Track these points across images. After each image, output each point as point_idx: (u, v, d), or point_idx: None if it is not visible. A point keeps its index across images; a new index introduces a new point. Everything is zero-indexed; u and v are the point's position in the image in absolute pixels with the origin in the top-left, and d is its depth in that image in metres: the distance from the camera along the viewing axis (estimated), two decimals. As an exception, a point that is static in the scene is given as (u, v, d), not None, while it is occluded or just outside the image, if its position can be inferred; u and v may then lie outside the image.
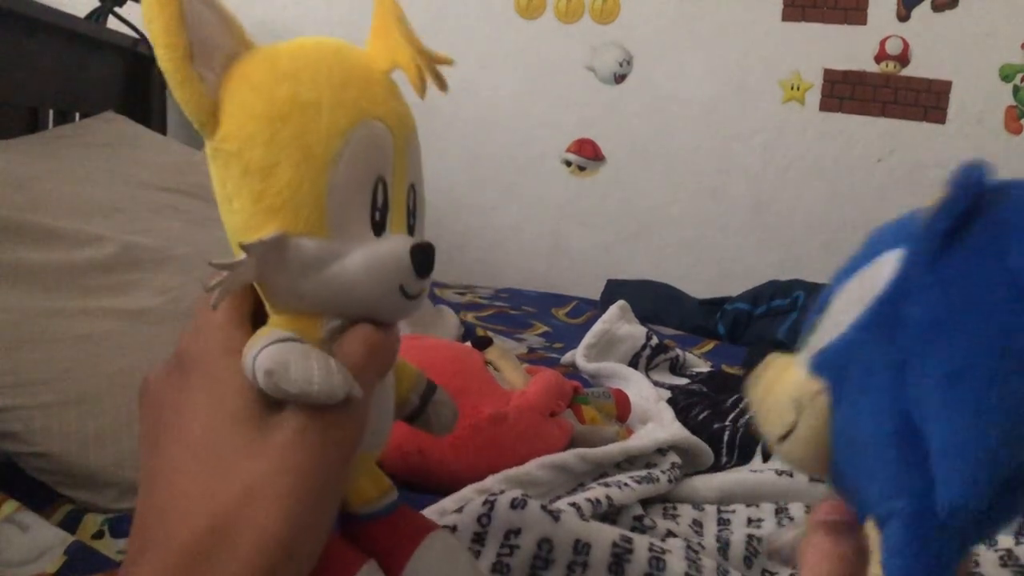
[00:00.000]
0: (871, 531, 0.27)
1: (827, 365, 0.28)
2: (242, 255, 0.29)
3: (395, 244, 0.32)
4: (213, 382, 0.29)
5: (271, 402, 0.29)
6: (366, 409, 0.30)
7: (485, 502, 0.47)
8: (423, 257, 0.32)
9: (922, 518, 0.25)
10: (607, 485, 0.57)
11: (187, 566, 0.26)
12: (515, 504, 0.46)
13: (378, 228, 0.32)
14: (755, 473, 0.65)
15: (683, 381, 0.97)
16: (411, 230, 0.34)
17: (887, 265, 0.27)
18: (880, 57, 1.53)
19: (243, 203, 0.31)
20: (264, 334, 0.30)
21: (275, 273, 0.30)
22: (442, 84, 0.33)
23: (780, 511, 0.60)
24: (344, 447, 0.29)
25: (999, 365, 0.23)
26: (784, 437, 0.29)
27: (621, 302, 1.12)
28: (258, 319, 0.32)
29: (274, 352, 0.29)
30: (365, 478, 0.37)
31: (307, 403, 0.28)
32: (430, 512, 0.50)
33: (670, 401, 0.81)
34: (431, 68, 0.33)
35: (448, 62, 0.33)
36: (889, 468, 0.26)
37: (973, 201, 0.26)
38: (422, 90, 0.33)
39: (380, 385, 0.33)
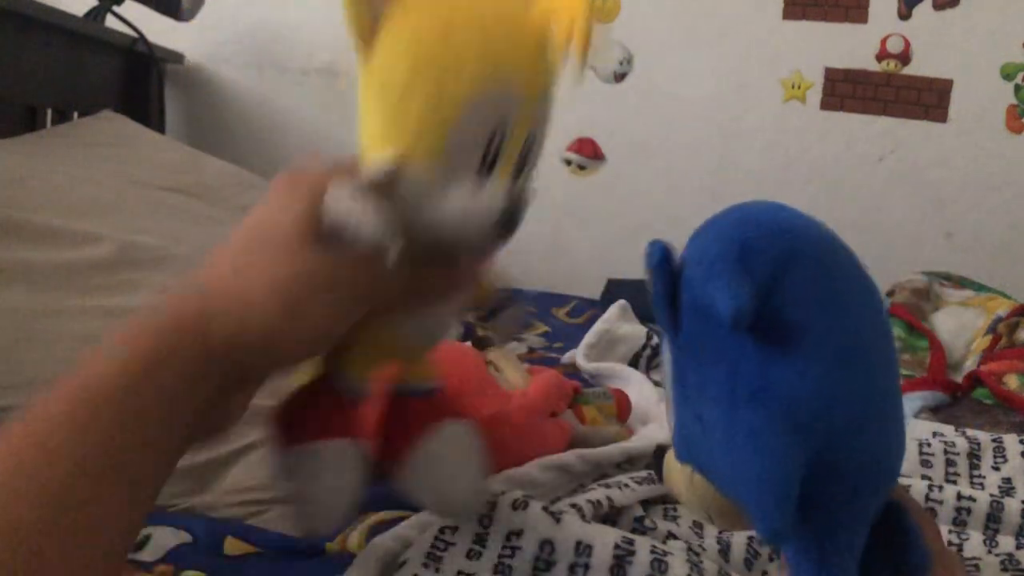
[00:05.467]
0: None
1: (681, 450, 0.33)
2: (365, 169, 0.33)
3: (493, 198, 0.34)
4: (288, 197, 0.33)
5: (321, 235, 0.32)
6: (394, 283, 0.34)
7: (486, 503, 0.46)
8: (510, 218, 0.35)
9: (798, 541, 0.29)
10: (608, 486, 0.57)
11: (176, 327, 0.31)
12: (516, 505, 0.46)
13: (487, 169, 0.35)
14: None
15: (684, 381, 0.97)
16: (520, 172, 0.37)
17: (666, 352, 0.32)
18: (881, 56, 1.53)
19: (376, 119, 0.34)
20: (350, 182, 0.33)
21: (387, 193, 0.33)
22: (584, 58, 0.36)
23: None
24: (358, 291, 0.33)
25: (731, 404, 0.27)
26: (712, 521, 0.33)
27: (621, 302, 1.12)
28: None
29: (343, 190, 0.32)
30: (418, 365, 0.44)
31: (349, 238, 0.32)
32: (428, 512, 0.50)
33: (671, 401, 0.81)
34: (583, 42, 0.36)
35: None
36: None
37: (667, 273, 0.30)
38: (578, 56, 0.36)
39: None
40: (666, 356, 0.33)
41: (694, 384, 0.30)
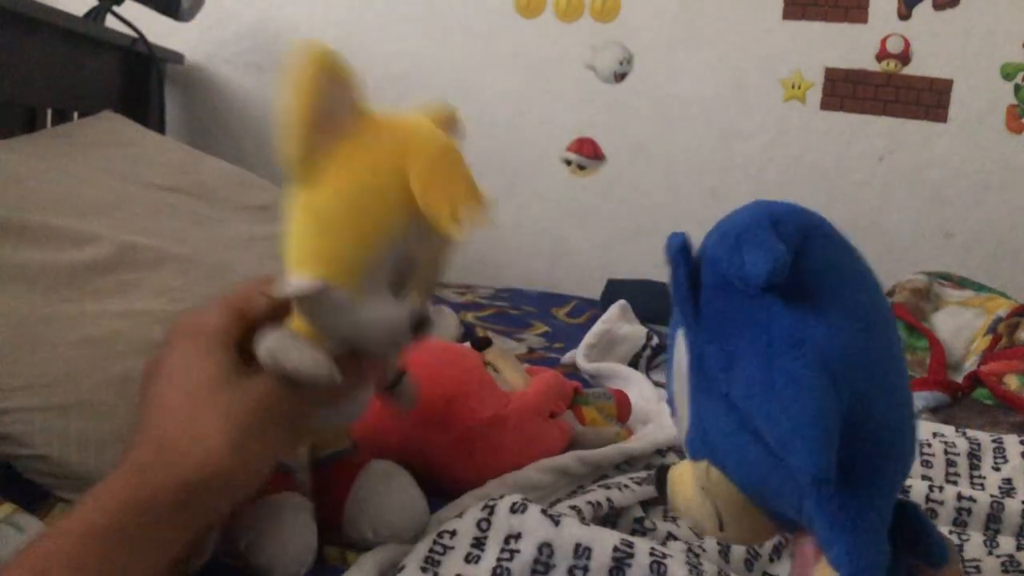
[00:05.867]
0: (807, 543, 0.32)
1: (695, 445, 0.33)
2: (294, 283, 0.38)
3: (402, 312, 0.40)
4: (202, 345, 0.37)
5: (246, 369, 0.37)
6: (331, 397, 0.41)
7: (484, 507, 0.46)
8: (420, 325, 0.41)
9: (823, 505, 0.29)
10: (607, 487, 0.57)
11: (140, 472, 0.34)
12: (515, 508, 0.46)
13: (397, 290, 0.40)
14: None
15: (684, 381, 0.97)
16: (429, 288, 0.43)
17: (680, 345, 0.33)
18: (881, 56, 1.53)
19: (308, 242, 0.39)
20: (278, 328, 0.39)
21: (310, 305, 0.39)
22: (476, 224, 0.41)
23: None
24: (299, 411, 0.39)
25: (769, 357, 0.28)
26: (721, 527, 0.33)
27: (621, 302, 1.12)
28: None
29: (281, 337, 0.38)
30: (332, 434, 0.51)
31: (293, 379, 0.37)
32: (430, 519, 0.50)
33: (671, 402, 0.81)
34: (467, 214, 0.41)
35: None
36: (782, 485, 0.29)
37: (690, 262, 0.32)
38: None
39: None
40: (678, 353, 0.34)
41: (717, 364, 0.30)
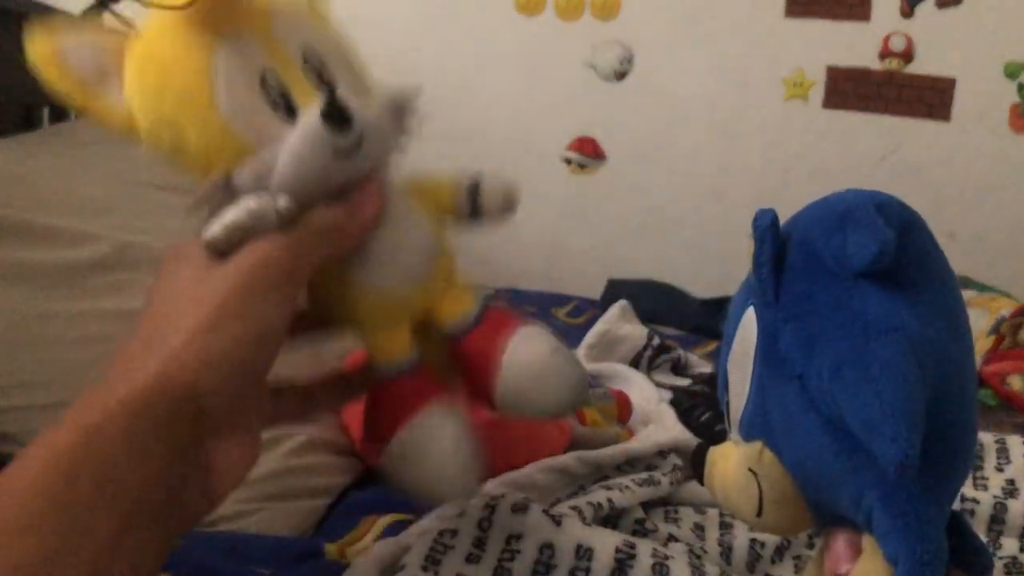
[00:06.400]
0: (866, 542, 0.31)
1: (753, 425, 0.32)
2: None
3: (304, 120, 0.33)
4: (185, 257, 0.34)
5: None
6: (302, 245, 0.34)
7: (486, 506, 0.46)
8: (334, 114, 0.33)
9: (890, 497, 0.28)
10: (608, 488, 0.56)
11: (128, 367, 0.31)
12: (516, 508, 0.45)
13: (291, 113, 0.34)
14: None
15: (685, 382, 0.96)
16: (329, 85, 0.36)
17: (749, 323, 0.32)
18: (884, 54, 1.52)
19: (184, 164, 0.35)
20: None
21: (217, 201, 0.33)
22: None
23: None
24: (297, 264, 0.33)
25: (863, 340, 0.27)
26: (759, 511, 0.33)
27: (622, 302, 1.11)
28: None
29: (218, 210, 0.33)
30: (445, 300, 0.40)
31: (241, 233, 0.33)
32: (429, 517, 0.49)
33: (672, 402, 0.80)
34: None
35: None
36: (845, 474, 0.29)
37: (777, 239, 0.31)
38: None
39: (395, 222, 0.37)
40: (743, 331, 0.33)
41: (795, 343, 0.30)
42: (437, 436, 0.38)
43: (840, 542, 0.32)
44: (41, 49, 0.37)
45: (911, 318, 0.28)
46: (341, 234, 0.36)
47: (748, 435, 0.33)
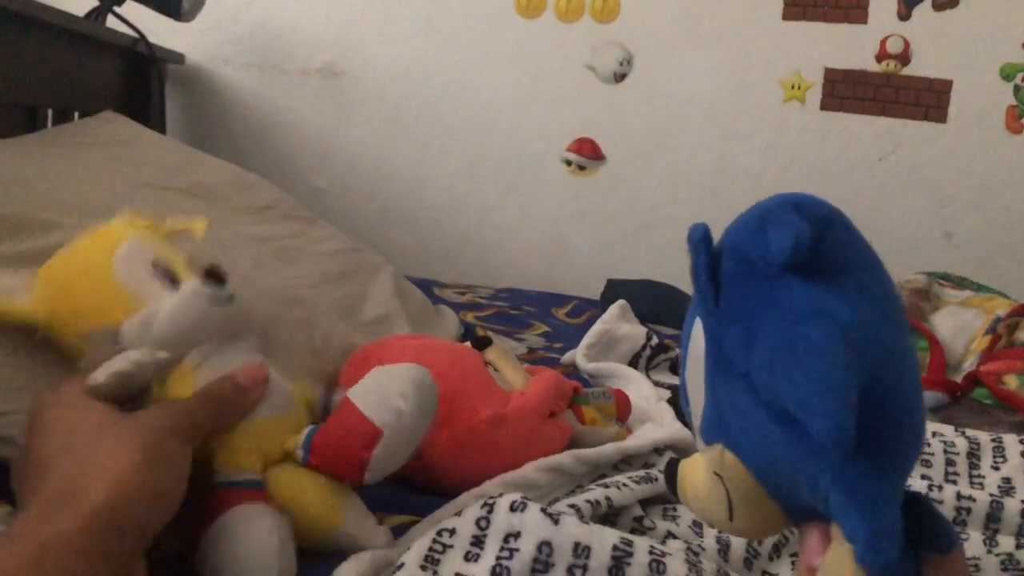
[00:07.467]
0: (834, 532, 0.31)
1: (711, 429, 0.34)
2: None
3: (187, 282, 0.46)
4: (77, 404, 0.41)
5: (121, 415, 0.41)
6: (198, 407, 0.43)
7: (484, 505, 0.46)
8: (214, 273, 0.46)
9: (841, 477, 0.29)
10: (606, 486, 0.57)
11: (46, 517, 0.34)
12: (514, 507, 0.46)
13: (175, 285, 0.47)
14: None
15: (683, 381, 0.97)
16: (212, 261, 0.48)
17: (698, 333, 0.34)
18: (881, 56, 1.53)
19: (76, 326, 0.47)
20: None
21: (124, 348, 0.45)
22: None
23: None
24: (202, 422, 0.43)
25: (792, 326, 0.29)
26: (731, 516, 0.33)
27: (621, 302, 1.12)
28: None
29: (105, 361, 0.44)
30: (232, 453, 0.45)
31: (130, 386, 0.43)
32: (428, 519, 0.50)
33: (671, 401, 0.81)
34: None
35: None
36: (798, 461, 0.30)
37: (711, 250, 0.33)
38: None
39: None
40: (693, 342, 0.35)
41: (737, 344, 0.31)
42: (245, 530, 0.42)
43: (814, 536, 0.32)
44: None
45: (836, 303, 0.29)
46: (235, 407, 0.45)
47: (708, 439, 0.34)
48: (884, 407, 0.29)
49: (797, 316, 0.29)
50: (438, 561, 0.43)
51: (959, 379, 0.94)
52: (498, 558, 0.43)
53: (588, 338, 1.00)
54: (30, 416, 0.43)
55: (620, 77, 1.62)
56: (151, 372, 0.43)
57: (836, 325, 0.28)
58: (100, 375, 0.42)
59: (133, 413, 0.41)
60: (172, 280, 0.47)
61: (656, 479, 0.60)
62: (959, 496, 0.58)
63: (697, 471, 0.35)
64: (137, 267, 0.47)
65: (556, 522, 0.45)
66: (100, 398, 0.41)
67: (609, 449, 0.63)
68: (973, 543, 0.55)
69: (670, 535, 0.54)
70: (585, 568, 0.43)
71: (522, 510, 0.45)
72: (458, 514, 0.47)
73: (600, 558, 0.43)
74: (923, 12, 1.50)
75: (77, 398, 0.41)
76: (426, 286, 1.28)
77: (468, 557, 0.44)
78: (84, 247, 0.49)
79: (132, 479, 0.36)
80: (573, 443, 0.66)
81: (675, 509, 0.59)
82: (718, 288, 0.32)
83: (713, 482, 0.34)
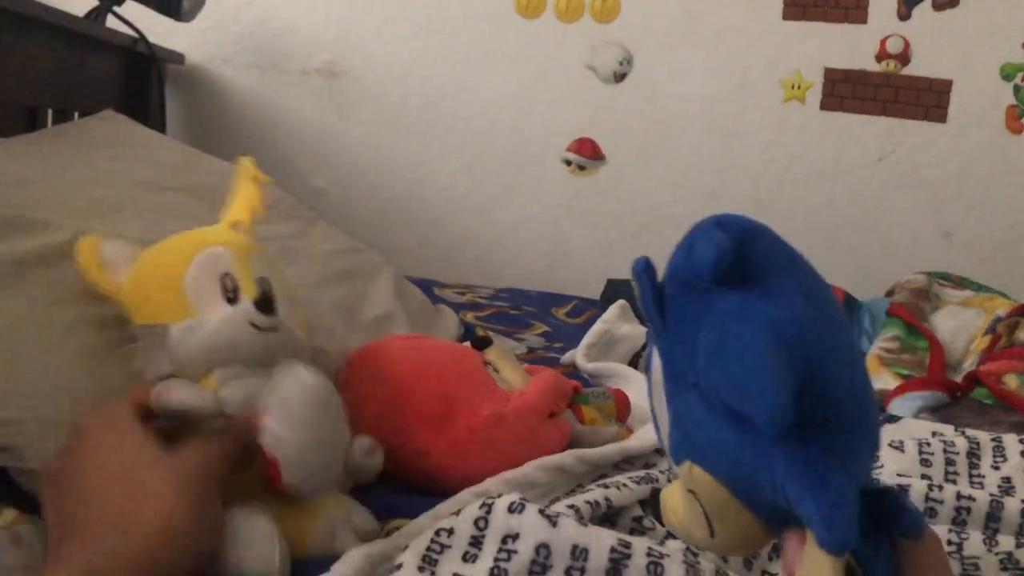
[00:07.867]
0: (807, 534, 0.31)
1: (679, 447, 0.35)
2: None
3: (241, 302, 0.50)
4: (118, 432, 0.42)
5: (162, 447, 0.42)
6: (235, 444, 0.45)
7: (482, 505, 0.46)
8: (262, 298, 0.49)
9: (792, 465, 0.30)
10: (606, 486, 0.57)
11: (102, 552, 0.36)
12: (513, 508, 0.46)
13: (232, 301, 0.50)
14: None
15: (683, 381, 0.97)
16: (265, 284, 0.53)
17: (655, 358, 0.36)
18: (881, 56, 1.53)
19: (153, 308, 0.50)
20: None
21: (167, 347, 0.48)
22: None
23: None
24: (218, 463, 0.43)
25: (723, 327, 0.30)
26: (711, 532, 0.34)
27: (621, 302, 1.12)
28: None
29: (167, 382, 0.47)
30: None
31: (187, 417, 0.45)
32: (427, 516, 0.50)
33: (670, 402, 0.81)
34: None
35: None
36: (754, 460, 0.31)
37: (654, 279, 0.34)
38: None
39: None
40: (654, 367, 0.36)
41: (683, 357, 0.33)
42: (246, 523, 0.45)
43: (792, 542, 0.32)
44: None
45: (765, 304, 0.31)
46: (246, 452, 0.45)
47: (677, 458, 0.35)
48: (826, 398, 0.30)
49: (727, 318, 0.31)
50: (436, 561, 0.43)
51: (959, 379, 0.94)
52: (496, 560, 0.43)
53: (588, 338, 1.00)
54: (74, 431, 0.43)
55: (620, 77, 1.62)
56: (209, 414, 0.45)
57: (764, 320, 0.30)
58: (172, 399, 0.45)
59: (177, 451, 0.42)
60: (233, 296, 0.50)
61: (656, 480, 0.60)
62: (959, 496, 0.58)
63: (674, 494, 0.36)
64: (205, 276, 0.50)
65: (554, 524, 0.45)
66: (150, 415, 0.43)
67: (611, 449, 0.63)
68: (973, 542, 0.55)
69: (669, 535, 0.54)
70: (583, 570, 0.43)
71: (520, 511, 0.45)
72: (456, 514, 0.47)
73: (598, 560, 0.43)
74: (923, 12, 1.50)
75: (125, 423, 0.42)
76: (426, 286, 1.28)
77: (466, 558, 0.44)
78: (175, 242, 0.52)
79: (176, 520, 0.38)
80: (573, 443, 0.66)
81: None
82: (665, 313, 0.34)
83: (688, 500, 0.34)
